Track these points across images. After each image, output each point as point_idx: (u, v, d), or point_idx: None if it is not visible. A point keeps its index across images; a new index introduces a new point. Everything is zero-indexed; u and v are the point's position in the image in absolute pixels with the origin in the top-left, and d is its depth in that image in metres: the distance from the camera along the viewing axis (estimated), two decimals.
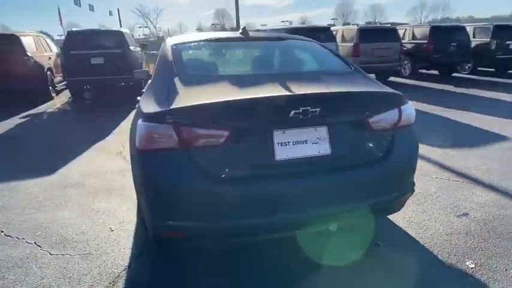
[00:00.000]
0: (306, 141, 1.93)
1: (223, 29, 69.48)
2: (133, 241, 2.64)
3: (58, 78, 9.94)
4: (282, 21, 64.84)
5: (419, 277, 2.16)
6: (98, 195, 3.46)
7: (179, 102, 1.85)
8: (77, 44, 8.91)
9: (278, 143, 1.89)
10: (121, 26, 32.76)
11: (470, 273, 2.18)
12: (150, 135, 1.84)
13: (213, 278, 2.21)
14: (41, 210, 3.16)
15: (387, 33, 10.68)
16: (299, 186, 1.88)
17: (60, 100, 9.64)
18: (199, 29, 73.64)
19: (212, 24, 78.41)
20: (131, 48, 9.59)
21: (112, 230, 2.79)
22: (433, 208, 2.99)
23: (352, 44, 10.39)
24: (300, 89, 1.94)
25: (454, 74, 12.14)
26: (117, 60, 8.99)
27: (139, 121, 1.91)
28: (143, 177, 1.91)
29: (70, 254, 2.48)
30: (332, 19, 47.76)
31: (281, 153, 1.89)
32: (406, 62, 11.34)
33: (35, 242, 2.64)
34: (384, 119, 2.05)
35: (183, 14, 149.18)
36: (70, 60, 8.90)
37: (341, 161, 1.98)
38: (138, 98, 2.72)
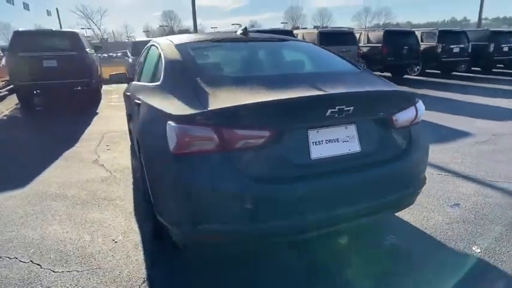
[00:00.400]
0: (337, 140, 1.97)
1: (172, 31, 68.04)
2: (143, 252, 2.49)
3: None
4: (233, 24, 65.04)
5: (437, 264, 2.29)
6: (86, 206, 3.22)
7: (216, 103, 1.79)
8: (26, 45, 8.20)
9: (313, 142, 1.91)
10: (61, 27, 30.73)
11: (480, 257, 2.35)
12: (188, 138, 1.75)
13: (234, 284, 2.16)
14: (26, 226, 2.87)
15: (346, 37, 11.19)
16: (334, 184, 1.91)
17: (6, 107, 8.81)
18: (147, 31, 71.34)
19: (160, 26, 76.49)
20: (87, 50, 9.04)
21: (116, 242, 2.61)
22: (427, 200, 3.18)
23: None
24: (331, 89, 1.97)
25: (405, 76, 13.02)
26: (73, 63, 8.43)
27: (172, 124, 1.81)
28: (180, 181, 1.81)
29: (77, 270, 2.27)
30: (282, 23, 48.90)
31: (316, 152, 1.91)
32: (362, 64, 11.92)
33: (31, 261, 2.38)
34: (405, 116, 2.15)
35: (127, 15, 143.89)
36: (18, 62, 8.15)
37: (369, 158, 2.04)
38: (139, 100, 2.59)
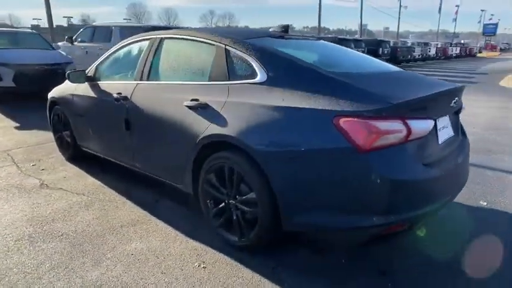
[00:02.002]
0: (446, 126, 2.29)
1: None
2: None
3: None
4: (65, 17, 56.73)
5: (455, 218, 2.89)
6: (114, 233, 2.54)
7: (393, 98, 1.83)
8: None
9: (439, 129, 2.17)
10: None
11: (488, 208, 3.11)
12: (379, 132, 1.74)
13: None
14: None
15: None
16: (455, 164, 2.23)
17: None
18: None
19: None
20: None
21: (204, 267, 2.22)
22: None
23: None
24: (437, 85, 2.26)
25: None
26: None
27: (357, 120, 1.75)
28: (372, 175, 1.76)
29: None
30: (125, 19, 45.48)
31: (441, 137, 2.18)
32: None
33: None
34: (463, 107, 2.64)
35: None
36: None
37: (458, 140, 2.45)
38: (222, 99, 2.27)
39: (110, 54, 3.48)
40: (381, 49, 20.13)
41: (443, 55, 30.56)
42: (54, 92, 4.14)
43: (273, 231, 2.18)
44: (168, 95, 2.66)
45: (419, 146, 1.94)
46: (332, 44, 3.06)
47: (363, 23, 44.50)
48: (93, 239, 2.54)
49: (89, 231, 2.63)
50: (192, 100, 2.44)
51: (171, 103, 2.61)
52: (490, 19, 59.04)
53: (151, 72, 2.90)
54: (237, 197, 2.28)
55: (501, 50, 58.32)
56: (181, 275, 2.14)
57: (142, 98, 2.87)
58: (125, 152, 3.16)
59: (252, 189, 2.15)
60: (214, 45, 2.50)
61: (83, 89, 3.58)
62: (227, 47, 2.41)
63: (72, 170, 3.90)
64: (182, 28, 3.04)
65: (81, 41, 10.76)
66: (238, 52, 2.36)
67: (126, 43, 3.36)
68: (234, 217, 2.32)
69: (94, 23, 11.53)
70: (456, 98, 2.23)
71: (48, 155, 4.37)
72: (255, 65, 2.24)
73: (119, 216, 2.86)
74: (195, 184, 2.56)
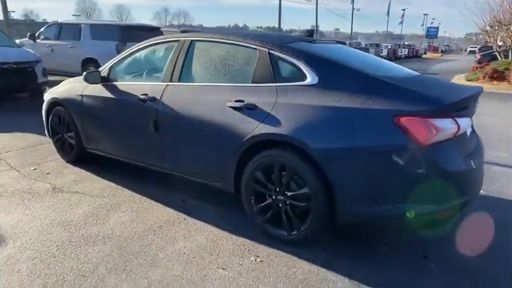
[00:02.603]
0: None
1: None
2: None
3: None
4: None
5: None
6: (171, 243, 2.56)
7: (443, 99, 2.07)
8: None
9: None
10: None
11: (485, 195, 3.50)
12: (438, 129, 1.97)
13: None
14: None
15: None
16: (480, 157, 2.52)
17: None
18: None
19: None
20: None
21: (261, 261, 2.33)
22: None
23: None
24: (465, 87, 2.55)
25: None
26: None
27: (416, 118, 1.97)
28: (430, 168, 2.00)
29: None
30: (74, 15, 42.85)
31: (468, 133, 2.47)
32: None
33: None
34: None
35: None
36: None
37: (475, 137, 2.73)
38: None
39: (127, 56, 3.42)
40: None
41: (393, 56, 32.51)
42: (55, 93, 3.97)
43: (325, 224, 2.34)
44: (208, 96, 2.71)
45: (460, 141, 2.20)
46: (353, 48, 3.29)
47: (314, 24, 45.99)
48: (137, 240, 2.53)
49: (129, 233, 2.62)
50: (236, 101, 2.52)
51: (211, 104, 2.66)
52: (432, 23, 63.84)
53: (183, 74, 2.92)
54: (287, 192, 2.40)
55: (442, 51, 63.08)
56: (242, 269, 2.23)
57: (174, 99, 2.88)
58: (151, 153, 3.14)
59: (306, 185, 2.29)
60: (256, 49, 2.60)
61: (96, 89, 3.49)
62: (271, 51, 2.53)
63: (80, 173, 3.78)
64: (209, 31, 3.07)
65: (45, 39, 10.16)
66: (283, 56, 2.49)
67: (144, 45, 3.33)
68: (283, 212, 2.44)
69: (60, 20, 10.89)
70: (478, 99, 2.53)
71: (45, 158, 4.17)
72: (304, 68, 2.38)
73: (153, 217, 2.86)
74: (237, 182, 2.64)
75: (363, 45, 26.90)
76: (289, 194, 2.39)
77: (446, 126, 2.03)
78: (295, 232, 2.42)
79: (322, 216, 2.29)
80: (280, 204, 2.46)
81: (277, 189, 2.45)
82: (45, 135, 4.31)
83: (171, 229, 2.70)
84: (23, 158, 4.18)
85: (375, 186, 2.13)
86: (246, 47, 2.68)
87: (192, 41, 2.96)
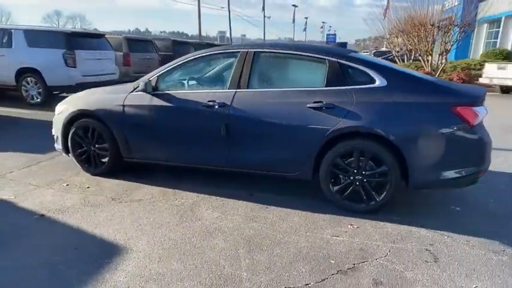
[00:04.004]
0: None
1: None
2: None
3: None
4: None
5: None
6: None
7: (474, 93, 2.95)
8: None
9: None
10: None
11: None
12: (477, 114, 2.82)
13: None
14: None
15: (147, 44, 11.32)
16: None
17: None
18: None
19: None
20: None
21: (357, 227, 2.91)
22: None
23: (121, 54, 10.23)
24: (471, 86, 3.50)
25: None
26: None
27: (466, 107, 2.79)
28: (477, 141, 2.88)
29: None
30: None
31: None
32: None
33: None
34: None
35: None
36: None
37: None
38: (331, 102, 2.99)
39: (178, 66, 3.62)
40: None
41: None
42: (83, 104, 3.89)
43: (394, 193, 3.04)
44: (285, 100, 3.17)
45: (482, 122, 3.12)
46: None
47: (221, 29, 47.41)
48: (244, 228, 2.87)
49: (233, 225, 2.93)
50: (315, 102, 3.06)
51: (290, 106, 3.14)
52: (329, 30, 71.04)
53: (251, 81, 3.32)
54: (364, 172, 3.03)
55: None
56: (348, 234, 2.79)
57: (246, 103, 3.26)
58: (217, 154, 3.43)
59: (384, 164, 2.95)
60: (325, 59, 3.17)
61: (143, 98, 3.60)
62: (340, 60, 3.13)
63: (121, 183, 3.79)
64: (269, 43, 3.54)
65: None
66: (351, 64, 3.11)
67: (197, 56, 3.60)
68: (361, 189, 3.06)
69: None
70: None
71: (65, 174, 4.02)
72: (372, 74, 3.05)
73: (239, 210, 3.20)
74: (315, 170, 3.17)
75: None
76: (367, 173, 3.03)
77: (482, 112, 2.91)
78: (373, 203, 3.07)
79: (396, 187, 2.98)
80: (358, 183, 3.07)
81: (356, 171, 3.06)
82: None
83: (265, 216, 3.09)
84: (39, 177, 3.95)
85: (439, 158, 2.90)
86: (314, 57, 3.24)
87: (255, 52, 3.37)
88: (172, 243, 2.64)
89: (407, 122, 2.91)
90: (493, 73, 13.09)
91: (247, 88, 3.33)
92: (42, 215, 3.06)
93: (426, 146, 2.88)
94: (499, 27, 20.19)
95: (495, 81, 13.02)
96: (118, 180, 3.86)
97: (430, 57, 15.39)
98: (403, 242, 2.71)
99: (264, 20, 47.23)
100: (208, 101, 3.35)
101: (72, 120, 3.95)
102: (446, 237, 2.79)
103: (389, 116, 2.92)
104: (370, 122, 2.92)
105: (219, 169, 3.56)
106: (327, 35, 60.17)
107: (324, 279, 2.25)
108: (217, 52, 3.60)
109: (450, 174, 2.93)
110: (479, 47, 22.31)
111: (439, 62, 15.50)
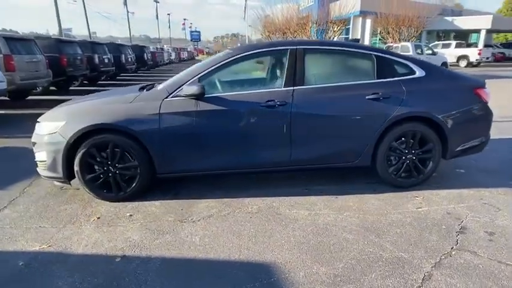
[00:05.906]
0: None
1: None
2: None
3: None
4: None
5: None
6: None
7: (479, 80, 3.75)
8: None
9: None
10: None
11: None
12: (489, 94, 3.63)
13: None
14: None
15: (30, 44, 9.33)
16: None
17: None
18: None
19: None
20: None
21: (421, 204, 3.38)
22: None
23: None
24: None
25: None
26: None
27: (482, 89, 3.57)
28: (490, 114, 3.64)
29: None
30: None
31: None
32: None
33: None
34: None
35: None
36: None
37: None
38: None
39: (219, 67, 3.37)
40: (145, 54, 20.96)
41: (178, 58, 34.99)
42: (96, 117, 3.22)
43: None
44: (345, 93, 3.37)
45: None
46: None
47: (66, 26, 42.17)
48: (338, 221, 3.01)
49: (329, 220, 3.02)
50: (373, 93, 3.38)
51: (350, 98, 3.37)
52: (190, 27, 70.69)
53: (306, 78, 3.38)
54: (414, 151, 3.53)
55: (207, 53, 70.10)
56: (426, 205, 3.25)
57: (308, 100, 3.32)
58: (280, 154, 3.39)
59: (429, 142, 3.51)
60: (371, 54, 3.50)
61: (184, 104, 3.24)
62: (384, 55, 3.51)
63: (165, 204, 3.35)
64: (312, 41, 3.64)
65: None
66: (394, 58, 3.54)
67: (240, 55, 3.42)
68: (412, 166, 3.55)
69: None
70: None
71: (72, 207, 3.30)
72: (412, 66, 3.54)
73: (314, 204, 3.27)
74: (374, 155, 3.51)
75: (151, 49, 27.05)
76: (417, 151, 3.53)
77: (489, 92, 3.74)
78: (422, 176, 3.60)
79: (439, 159, 3.58)
80: (409, 161, 3.55)
81: (407, 151, 3.52)
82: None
83: (345, 205, 3.26)
84: (44, 218, 3.12)
85: (468, 131, 3.62)
86: (361, 52, 3.52)
87: (305, 49, 3.44)
88: (309, 246, 2.58)
89: (446, 104, 3.51)
90: None
91: (303, 85, 3.39)
92: (124, 256, 2.50)
93: (460, 122, 3.56)
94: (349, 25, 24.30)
95: None
96: (154, 202, 3.37)
97: None
98: (464, 201, 3.32)
99: (128, 16, 43.97)
100: (267, 101, 3.27)
101: (79, 140, 3.22)
102: (483, 192, 3.54)
103: (433, 100, 3.48)
104: (421, 107, 3.42)
105: (277, 169, 3.52)
106: (191, 32, 60.38)
107: (457, 242, 2.63)
108: (262, 50, 3.51)
109: (474, 142, 3.70)
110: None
111: None
